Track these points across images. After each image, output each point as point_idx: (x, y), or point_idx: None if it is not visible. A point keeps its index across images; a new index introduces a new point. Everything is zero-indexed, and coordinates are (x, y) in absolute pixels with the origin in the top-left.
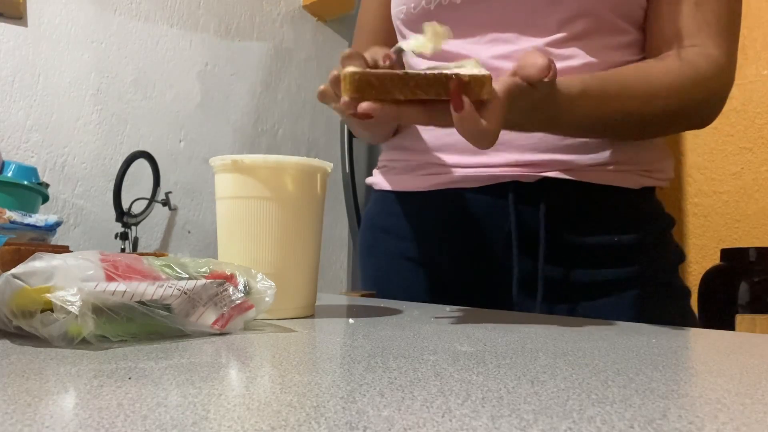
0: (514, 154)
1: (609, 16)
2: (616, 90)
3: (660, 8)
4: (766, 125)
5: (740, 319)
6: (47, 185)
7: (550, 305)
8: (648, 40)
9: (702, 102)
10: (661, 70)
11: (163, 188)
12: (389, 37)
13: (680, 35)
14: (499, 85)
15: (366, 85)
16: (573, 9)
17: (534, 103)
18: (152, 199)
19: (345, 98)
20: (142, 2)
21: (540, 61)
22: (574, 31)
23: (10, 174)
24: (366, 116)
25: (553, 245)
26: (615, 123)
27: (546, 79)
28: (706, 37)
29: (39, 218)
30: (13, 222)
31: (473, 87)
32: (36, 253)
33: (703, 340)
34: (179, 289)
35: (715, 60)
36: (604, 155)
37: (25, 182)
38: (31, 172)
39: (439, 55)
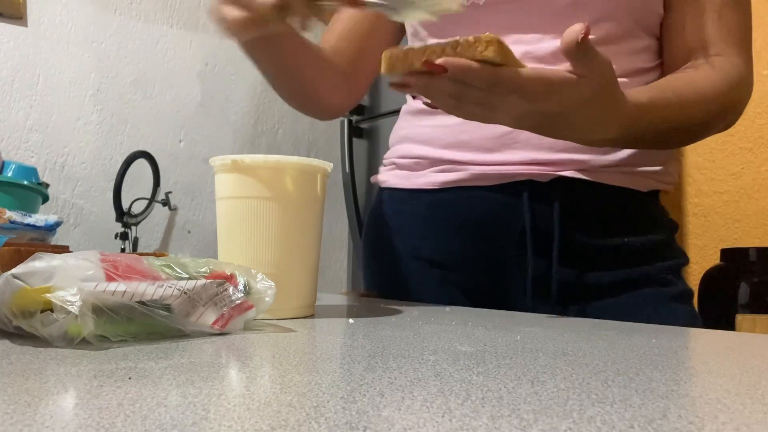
0: (530, 153)
1: (628, 22)
2: (675, 100)
3: (683, 19)
4: (766, 125)
5: (740, 319)
6: (47, 185)
7: (562, 306)
8: (669, 49)
9: (732, 108)
10: (703, 79)
11: (163, 188)
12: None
13: (705, 44)
14: (534, 70)
15: (396, 60)
16: (595, 13)
17: (583, 98)
18: (152, 199)
19: (383, 72)
20: (142, 2)
21: (576, 26)
22: (595, 35)
23: (10, 174)
24: (403, 87)
25: (566, 246)
26: (669, 132)
27: (579, 40)
28: (729, 46)
29: (39, 218)
30: (13, 222)
31: (477, 46)
32: (36, 253)
33: (703, 340)
34: (179, 289)
35: (739, 67)
36: (618, 156)
37: (25, 182)
38: (31, 172)
39: None
